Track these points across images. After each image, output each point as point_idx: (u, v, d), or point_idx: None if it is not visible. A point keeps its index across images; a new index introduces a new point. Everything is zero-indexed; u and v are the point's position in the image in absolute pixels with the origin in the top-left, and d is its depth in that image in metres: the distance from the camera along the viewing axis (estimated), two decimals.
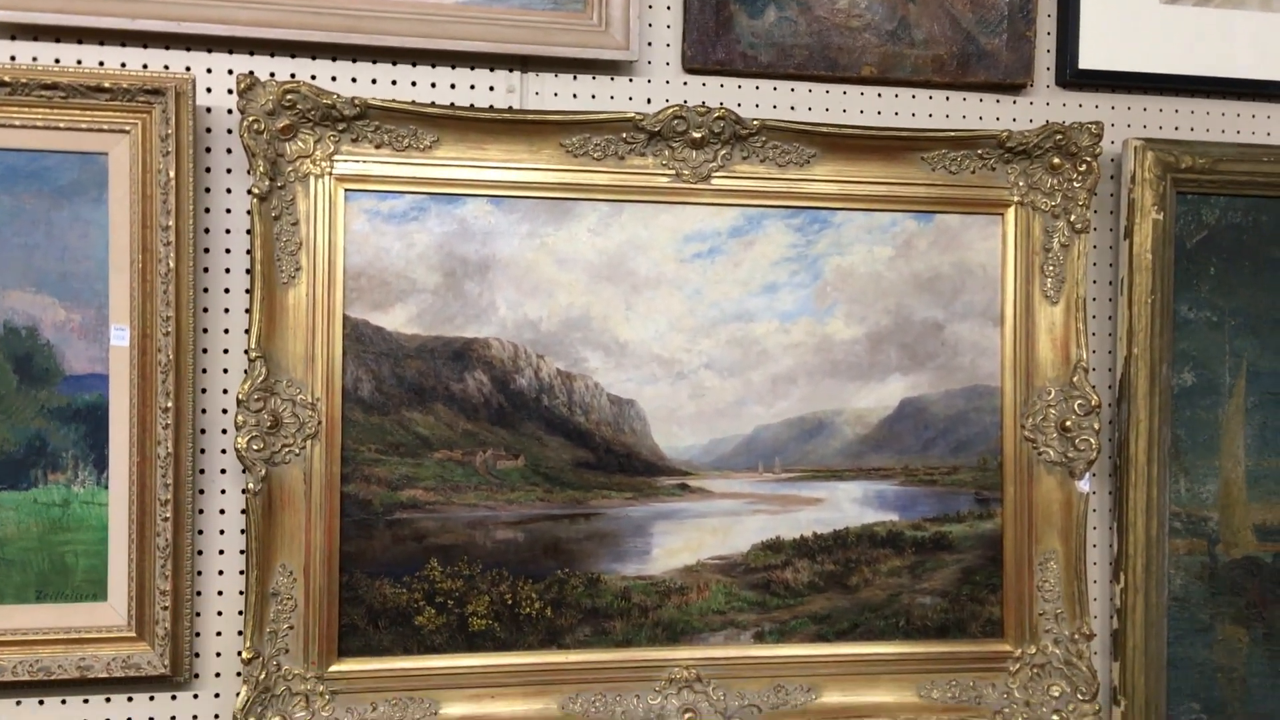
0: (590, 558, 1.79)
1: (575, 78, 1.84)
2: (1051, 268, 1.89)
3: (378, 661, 1.72)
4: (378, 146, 1.72)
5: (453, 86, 1.80)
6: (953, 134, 1.85)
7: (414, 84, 1.79)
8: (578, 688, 1.78)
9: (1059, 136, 1.85)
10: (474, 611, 1.75)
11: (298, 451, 1.69)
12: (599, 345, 1.79)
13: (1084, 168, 1.87)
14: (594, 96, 1.84)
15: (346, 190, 1.72)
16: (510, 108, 1.80)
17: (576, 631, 1.78)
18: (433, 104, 1.73)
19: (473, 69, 1.80)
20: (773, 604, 1.84)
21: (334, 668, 1.71)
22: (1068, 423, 1.87)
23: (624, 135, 1.77)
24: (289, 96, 1.66)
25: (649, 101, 1.86)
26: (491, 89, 1.81)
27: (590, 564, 1.79)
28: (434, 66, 1.79)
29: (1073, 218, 1.88)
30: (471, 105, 1.78)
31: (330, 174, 1.71)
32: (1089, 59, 1.94)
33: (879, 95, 1.92)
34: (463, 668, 1.74)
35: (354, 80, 1.77)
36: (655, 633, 1.80)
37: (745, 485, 1.84)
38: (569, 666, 1.77)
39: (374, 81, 1.77)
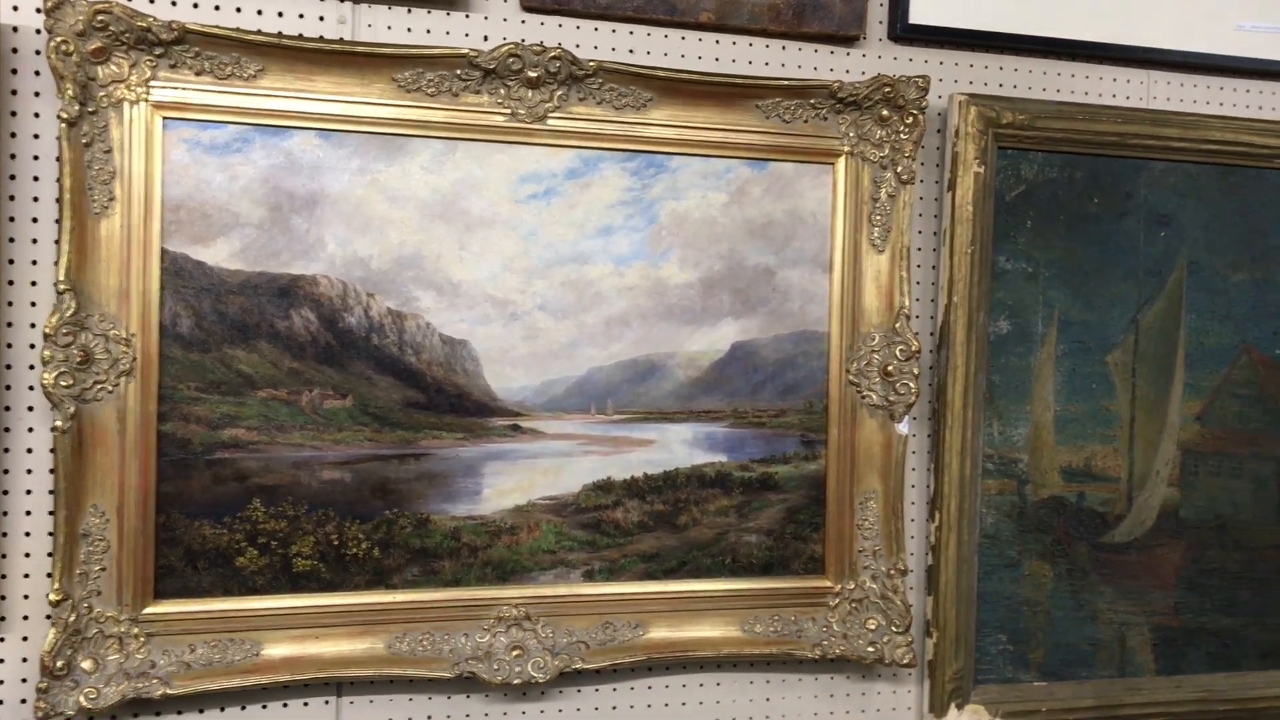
0: (420, 498, 1.78)
1: (410, 11, 1.80)
2: (879, 217, 1.95)
3: (196, 603, 1.69)
4: (198, 74, 1.66)
5: (280, 14, 1.74)
6: (786, 83, 1.88)
7: (239, 10, 1.72)
8: (405, 627, 1.78)
9: (888, 89, 1.90)
10: (298, 552, 1.73)
11: (111, 389, 1.63)
12: (431, 285, 1.78)
13: (910, 120, 1.92)
14: (429, 31, 1.81)
15: (164, 118, 1.65)
16: (341, 39, 1.75)
17: (405, 571, 1.78)
18: (259, 32, 1.67)
19: None
20: (603, 543, 1.87)
21: (149, 610, 1.67)
22: (890, 368, 1.94)
23: (458, 72, 1.75)
24: (100, 17, 1.58)
25: (486, 39, 1.83)
26: (321, 19, 1.76)
27: (420, 504, 1.78)
28: None
29: (899, 169, 1.94)
30: (300, 35, 1.73)
31: (146, 100, 1.64)
32: (919, 14, 1.99)
33: (716, 42, 1.94)
34: (286, 609, 1.72)
35: (174, 3, 1.70)
36: (485, 572, 1.81)
37: (577, 426, 1.86)
38: (396, 606, 1.77)
39: (195, 5, 1.70)
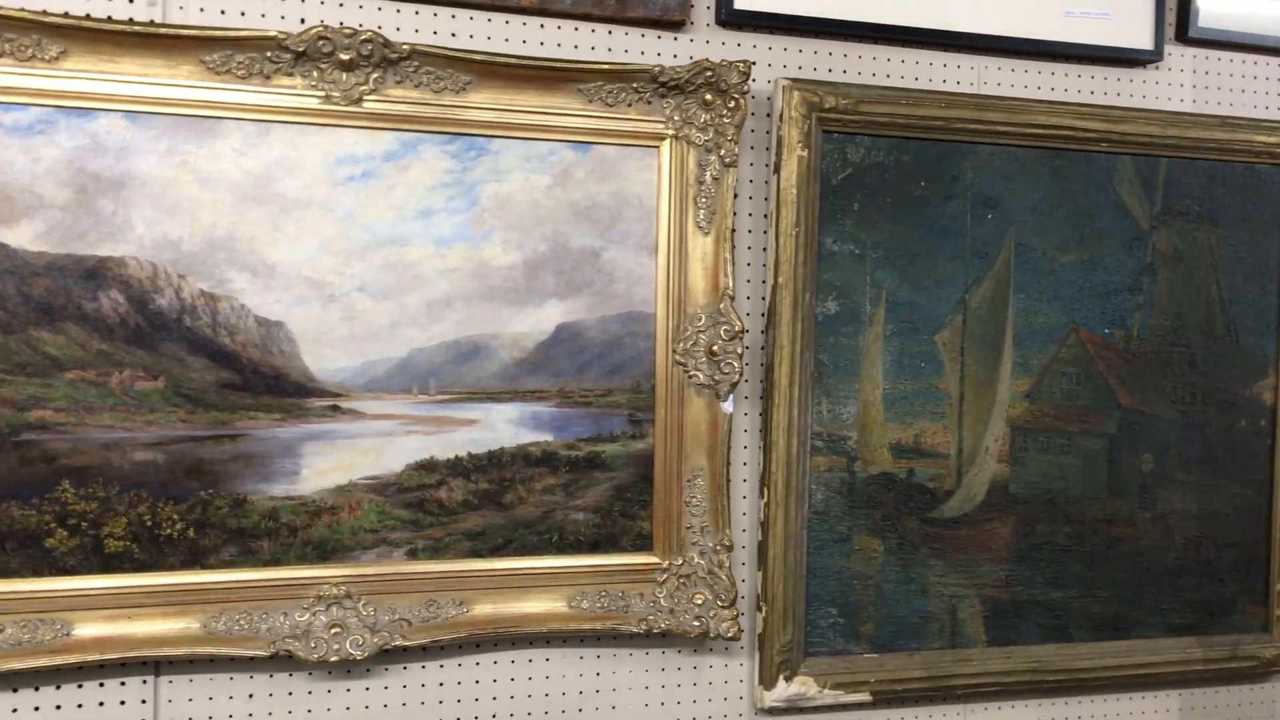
0: (236, 479, 1.79)
1: None
2: (704, 200, 1.98)
3: (4, 584, 1.69)
4: None
5: None
6: (607, 67, 1.91)
7: None
8: (221, 607, 1.79)
9: (710, 74, 1.93)
10: (110, 533, 1.74)
11: None
12: (245, 266, 1.79)
13: (733, 104, 1.96)
14: (244, 14, 1.82)
15: None
16: (152, 21, 1.76)
17: (221, 552, 1.79)
18: (66, 14, 1.67)
19: None
20: (426, 522, 1.89)
21: None
22: (715, 348, 1.98)
23: (269, 54, 1.75)
24: None
25: (303, 21, 1.84)
26: (131, 1, 1.76)
27: (236, 485, 1.79)
28: None
29: (723, 152, 1.97)
30: (109, 17, 1.73)
31: None
32: None
33: (541, 26, 1.96)
34: (97, 589, 1.73)
35: None
36: (305, 552, 1.83)
37: (399, 407, 1.88)
38: (212, 586, 1.78)
39: None
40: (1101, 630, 2.27)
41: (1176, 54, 2.31)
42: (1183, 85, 2.31)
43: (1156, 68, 2.30)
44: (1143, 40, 2.26)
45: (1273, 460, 2.35)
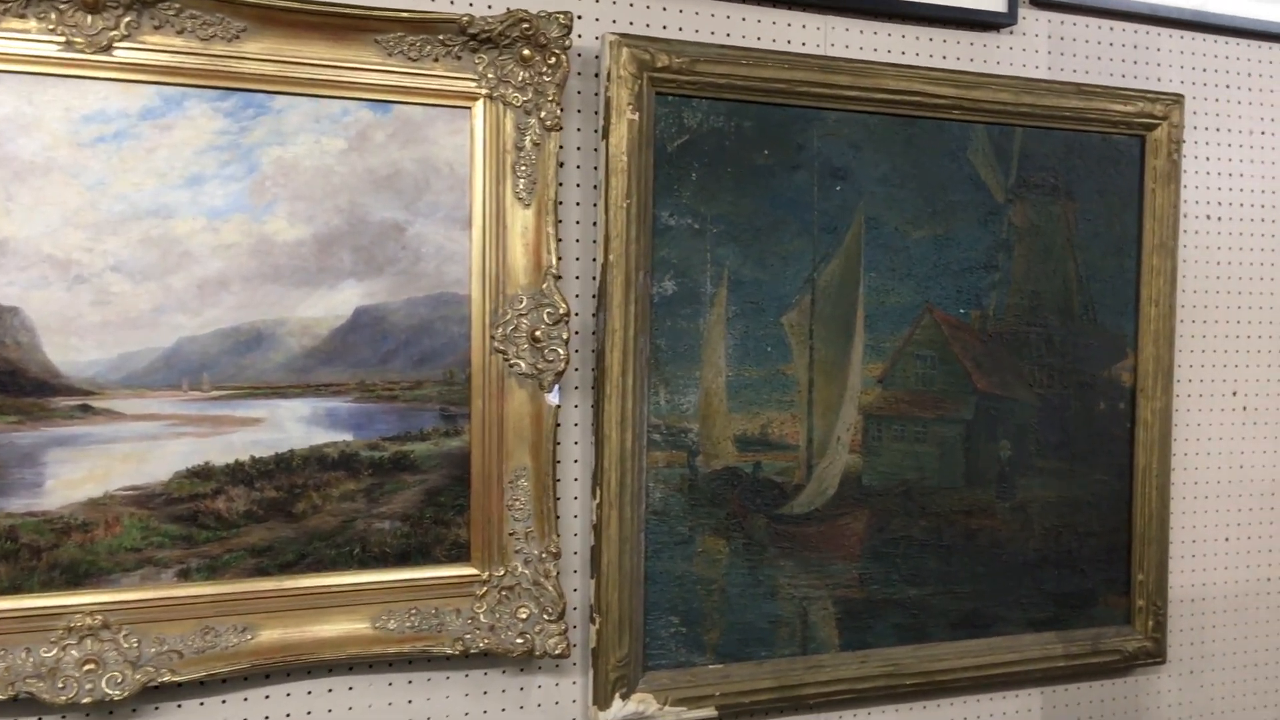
0: None
1: None
2: (524, 168, 1.78)
3: None
4: None
5: None
6: (407, 15, 1.68)
7: None
8: None
9: (526, 25, 1.72)
10: None
11: None
12: None
13: (554, 61, 1.76)
14: None
15: None
16: None
17: None
18: None
19: None
20: (202, 537, 1.64)
21: None
22: (538, 333, 1.77)
23: None
24: None
25: None
26: None
27: None
28: None
29: (544, 115, 1.77)
30: None
31: None
32: None
33: None
34: None
35: None
36: (51, 576, 1.56)
37: (166, 405, 1.62)
38: None
39: None
40: (960, 628, 2.14)
41: (1031, 17, 2.19)
42: (1037, 51, 2.19)
43: (1010, 31, 2.17)
44: (996, 2, 2.13)
45: (1133, 444, 2.26)
